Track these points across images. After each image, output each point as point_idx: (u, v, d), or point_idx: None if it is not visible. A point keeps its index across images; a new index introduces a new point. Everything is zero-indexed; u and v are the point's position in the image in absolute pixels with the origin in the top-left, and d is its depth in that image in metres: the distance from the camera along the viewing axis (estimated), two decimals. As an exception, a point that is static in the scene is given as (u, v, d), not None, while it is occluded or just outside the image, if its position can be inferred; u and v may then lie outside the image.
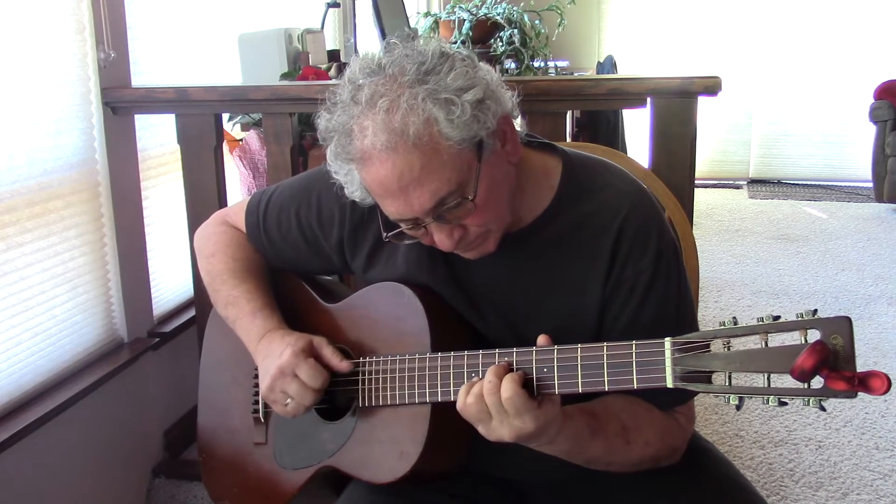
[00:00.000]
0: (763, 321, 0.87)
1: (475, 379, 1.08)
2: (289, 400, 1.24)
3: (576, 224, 1.19)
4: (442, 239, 1.11)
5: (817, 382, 0.82)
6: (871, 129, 5.66)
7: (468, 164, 1.06)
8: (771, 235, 5.17)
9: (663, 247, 1.18)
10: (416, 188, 1.04)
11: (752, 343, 0.88)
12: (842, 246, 4.88)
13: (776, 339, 0.87)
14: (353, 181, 1.14)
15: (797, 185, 6.67)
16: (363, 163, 1.06)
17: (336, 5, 3.29)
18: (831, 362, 0.81)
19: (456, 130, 1.03)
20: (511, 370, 1.05)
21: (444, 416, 1.17)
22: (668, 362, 0.93)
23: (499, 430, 1.03)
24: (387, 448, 1.20)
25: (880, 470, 2.46)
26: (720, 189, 6.57)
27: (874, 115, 5.61)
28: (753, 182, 6.81)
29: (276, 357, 1.24)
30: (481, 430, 1.06)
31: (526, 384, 1.03)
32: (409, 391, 1.17)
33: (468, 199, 1.06)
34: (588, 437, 1.10)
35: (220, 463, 1.43)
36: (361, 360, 1.24)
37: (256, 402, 1.36)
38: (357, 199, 1.17)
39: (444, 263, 1.23)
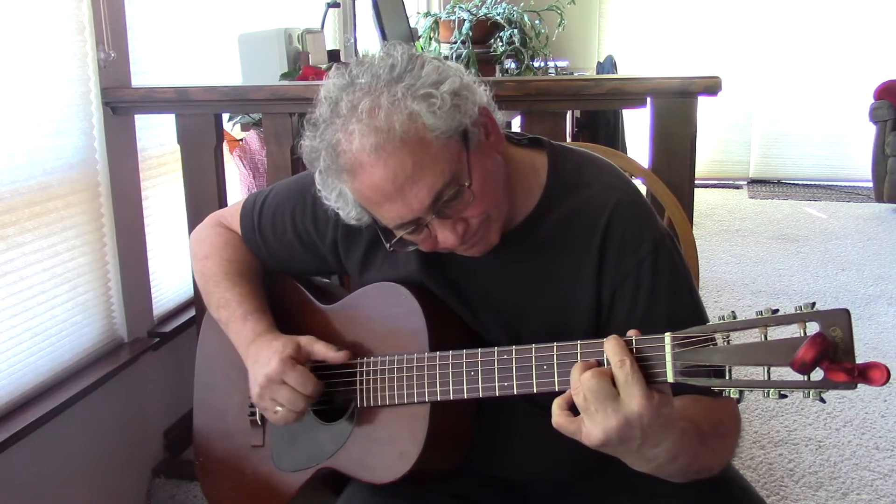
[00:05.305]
0: (762, 315, 0.87)
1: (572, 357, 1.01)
2: (278, 408, 1.24)
3: (564, 221, 1.19)
4: (446, 235, 1.10)
5: (817, 375, 0.82)
6: (871, 129, 5.66)
7: (458, 155, 1.06)
8: (771, 235, 5.17)
9: (658, 235, 1.17)
10: (411, 186, 1.04)
11: (752, 337, 0.88)
12: (842, 246, 4.88)
13: (775, 333, 0.87)
14: (346, 201, 1.13)
15: (797, 185, 6.67)
16: (354, 173, 1.06)
17: (336, 5, 3.29)
18: (831, 354, 0.81)
19: (440, 121, 1.04)
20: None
21: (444, 416, 1.17)
22: (669, 357, 0.93)
23: (629, 404, 0.92)
24: (386, 448, 1.20)
25: (880, 470, 2.46)
26: (720, 189, 6.56)
27: (874, 115, 5.61)
28: (753, 182, 6.81)
29: (263, 364, 1.24)
30: (592, 420, 0.95)
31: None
32: (408, 391, 1.17)
33: (466, 187, 1.06)
34: (697, 441, 1.02)
35: (217, 466, 1.42)
36: (359, 360, 1.24)
37: (253, 405, 1.35)
38: (353, 221, 1.17)
39: (438, 265, 1.23)
